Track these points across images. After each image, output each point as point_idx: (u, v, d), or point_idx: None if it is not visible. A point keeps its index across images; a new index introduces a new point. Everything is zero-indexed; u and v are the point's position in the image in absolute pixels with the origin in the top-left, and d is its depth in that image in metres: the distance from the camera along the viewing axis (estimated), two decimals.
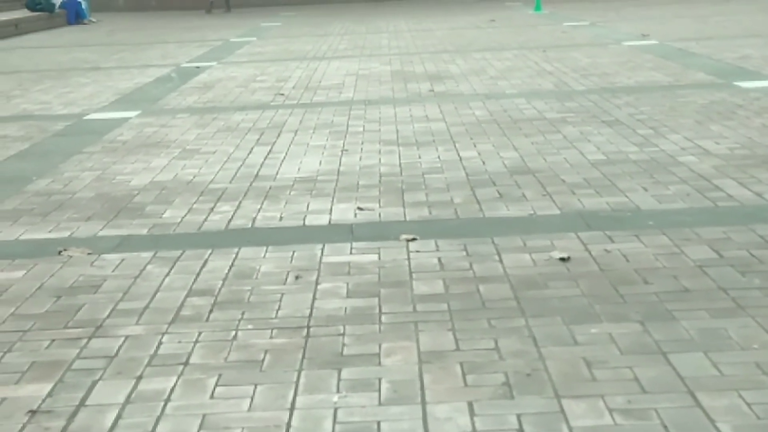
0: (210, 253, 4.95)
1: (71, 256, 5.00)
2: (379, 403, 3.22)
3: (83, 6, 25.61)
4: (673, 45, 13.63)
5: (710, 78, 10.29)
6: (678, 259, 4.53)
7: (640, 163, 6.51)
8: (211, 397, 3.33)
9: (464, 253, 4.78)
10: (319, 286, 4.40)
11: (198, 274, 4.63)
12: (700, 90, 9.45)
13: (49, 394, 3.40)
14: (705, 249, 4.64)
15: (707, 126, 7.62)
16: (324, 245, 5.00)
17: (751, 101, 8.65)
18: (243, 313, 4.10)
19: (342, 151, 7.40)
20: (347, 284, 4.41)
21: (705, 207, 5.40)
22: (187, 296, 4.34)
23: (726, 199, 5.52)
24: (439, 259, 4.69)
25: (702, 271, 4.35)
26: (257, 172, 6.79)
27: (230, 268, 4.72)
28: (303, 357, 3.62)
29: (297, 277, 4.53)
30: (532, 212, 5.48)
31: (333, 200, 5.93)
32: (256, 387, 3.38)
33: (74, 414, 3.24)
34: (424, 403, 3.20)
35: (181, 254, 4.95)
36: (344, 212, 5.66)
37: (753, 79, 9.95)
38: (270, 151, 7.52)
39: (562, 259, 4.59)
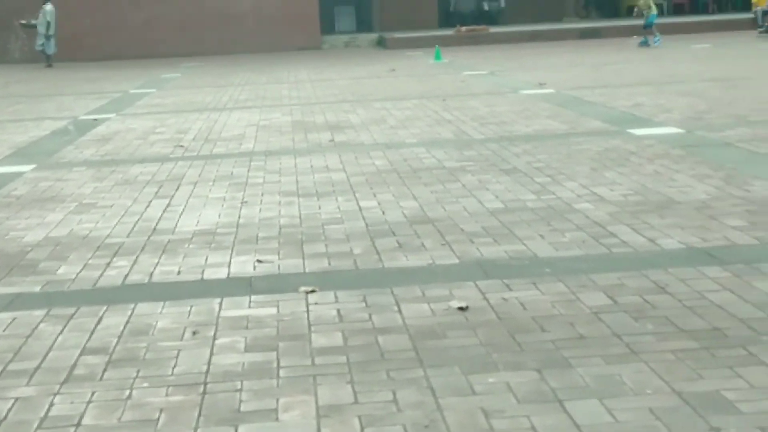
0: (105, 310, 4.85)
1: None
2: None
3: None
4: (569, 93, 13.91)
5: (605, 126, 10.51)
6: (574, 306, 4.58)
7: (537, 210, 6.60)
8: None
9: (363, 304, 4.77)
10: (216, 341, 4.34)
11: (92, 332, 4.54)
12: (595, 137, 9.64)
13: None
14: (600, 295, 4.71)
15: (602, 173, 7.77)
16: (222, 299, 4.95)
17: (644, 148, 8.85)
18: (138, 371, 4.02)
19: (241, 203, 7.35)
20: (245, 338, 4.36)
21: (600, 253, 5.49)
22: (80, 355, 4.25)
23: (620, 246, 5.61)
24: (339, 311, 4.67)
25: (597, 317, 4.40)
26: (155, 226, 6.70)
27: (126, 324, 4.63)
28: (199, 414, 3.56)
29: (194, 333, 4.47)
30: (431, 261, 5.50)
31: (232, 253, 5.88)
32: None
33: None
34: None
35: (76, 311, 4.85)
36: (243, 265, 5.61)
37: (645, 126, 10.19)
38: (168, 204, 7.44)
39: (461, 309, 4.61)
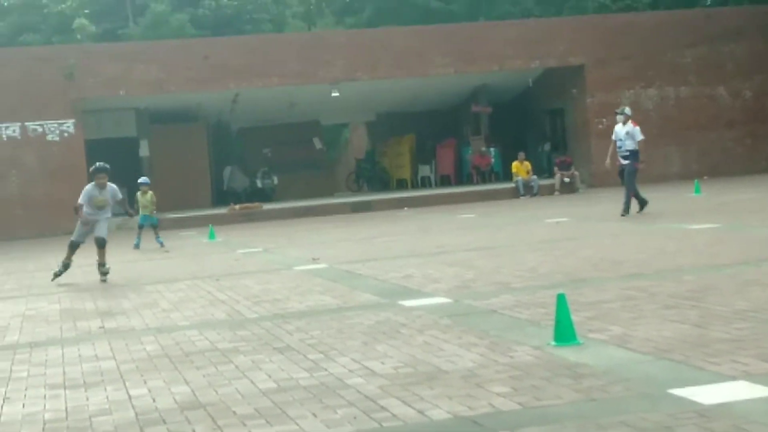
0: None
1: None
2: None
3: None
4: (341, 268, 14.15)
5: (376, 298, 10.71)
6: None
7: (310, 388, 6.60)
8: None
9: None
10: None
11: None
12: (366, 311, 9.80)
13: None
14: None
15: (373, 346, 7.87)
16: None
17: (414, 319, 9.05)
18: None
19: (3, 399, 7.03)
20: None
21: (371, 428, 5.51)
22: None
23: (391, 419, 5.66)
24: None
25: None
26: None
27: None
28: None
29: None
30: None
31: None
32: None
33: None
34: None
35: None
36: None
37: (415, 298, 10.43)
38: None
39: None
